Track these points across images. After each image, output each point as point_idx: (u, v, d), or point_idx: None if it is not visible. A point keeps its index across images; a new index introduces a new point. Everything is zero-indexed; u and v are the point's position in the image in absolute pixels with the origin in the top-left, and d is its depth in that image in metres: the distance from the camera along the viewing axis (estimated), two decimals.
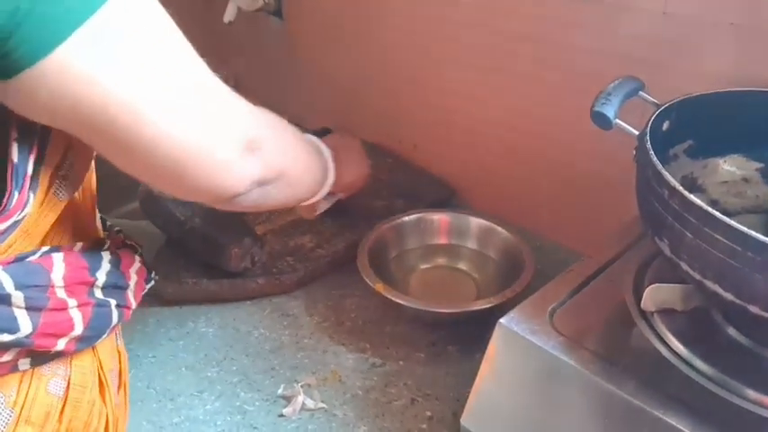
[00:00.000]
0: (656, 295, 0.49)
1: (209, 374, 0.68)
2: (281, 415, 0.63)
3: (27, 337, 0.42)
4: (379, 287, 0.71)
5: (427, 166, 1.00)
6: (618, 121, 0.50)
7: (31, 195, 0.41)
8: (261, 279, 0.78)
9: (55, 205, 0.44)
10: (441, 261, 0.83)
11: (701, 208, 0.41)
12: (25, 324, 0.42)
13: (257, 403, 0.65)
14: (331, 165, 0.66)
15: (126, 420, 0.55)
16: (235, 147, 0.45)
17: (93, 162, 0.49)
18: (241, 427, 0.62)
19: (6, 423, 0.43)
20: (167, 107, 0.41)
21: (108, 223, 0.55)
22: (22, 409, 0.44)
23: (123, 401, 0.55)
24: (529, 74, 0.81)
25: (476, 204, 0.95)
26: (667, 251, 0.45)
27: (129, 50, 0.38)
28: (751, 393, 0.43)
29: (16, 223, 0.42)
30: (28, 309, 0.42)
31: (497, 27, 0.81)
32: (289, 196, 0.58)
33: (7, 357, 0.42)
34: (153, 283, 0.56)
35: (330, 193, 0.69)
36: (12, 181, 0.40)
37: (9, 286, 0.40)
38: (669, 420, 0.43)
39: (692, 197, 0.41)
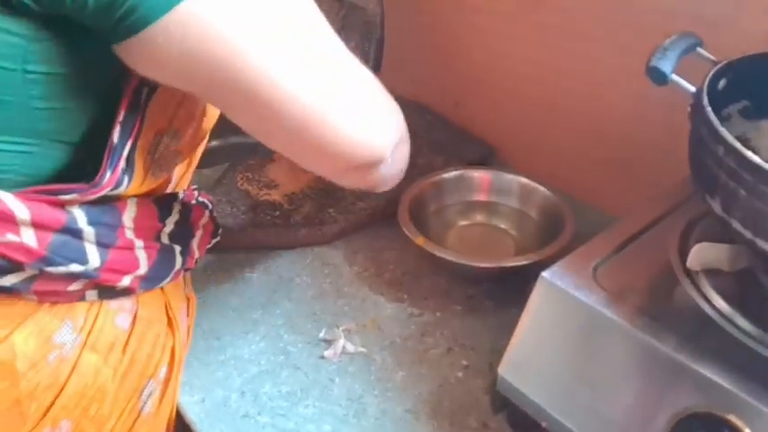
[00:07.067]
0: (702, 254, 0.49)
1: (254, 317, 0.71)
2: (323, 357, 0.65)
3: (95, 270, 0.45)
4: (420, 240, 0.72)
5: (468, 124, 1.00)
6: (674, 76, 0.49)
7: (126, 178, 0.44)
8: (303, 229, 0.80)
9: (152, 183, 0.48)
10: (480, 218, 0.84)
11: (757, 164, 0.40)
12: (94, 257, 0.45)
13: (300, 345, 0.67)
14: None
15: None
16: (390, 146, 0.48)
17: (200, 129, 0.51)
18: (284, 366, 0.65)
19: (72, 345, 0.46)
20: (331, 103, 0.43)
21: None
22: (88, 335, 0.47)
23: (186, 342, 0.59)
24: (575, 31, 0.79)
25: (515, 165, 0.95)
26: (718, 210, 0.45)
27: (253, 5, 0.38)
28: None
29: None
30: (97, 244, 0.45)
31: None
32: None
33: (75, 287, 0.45)
34: (218, 238, 0.62)
35: None
36: (107, 160, 0.42)
37: (82, 222, 0.43)
38: (710, 376, 0.44)
39: (749, 153, 0.41)
